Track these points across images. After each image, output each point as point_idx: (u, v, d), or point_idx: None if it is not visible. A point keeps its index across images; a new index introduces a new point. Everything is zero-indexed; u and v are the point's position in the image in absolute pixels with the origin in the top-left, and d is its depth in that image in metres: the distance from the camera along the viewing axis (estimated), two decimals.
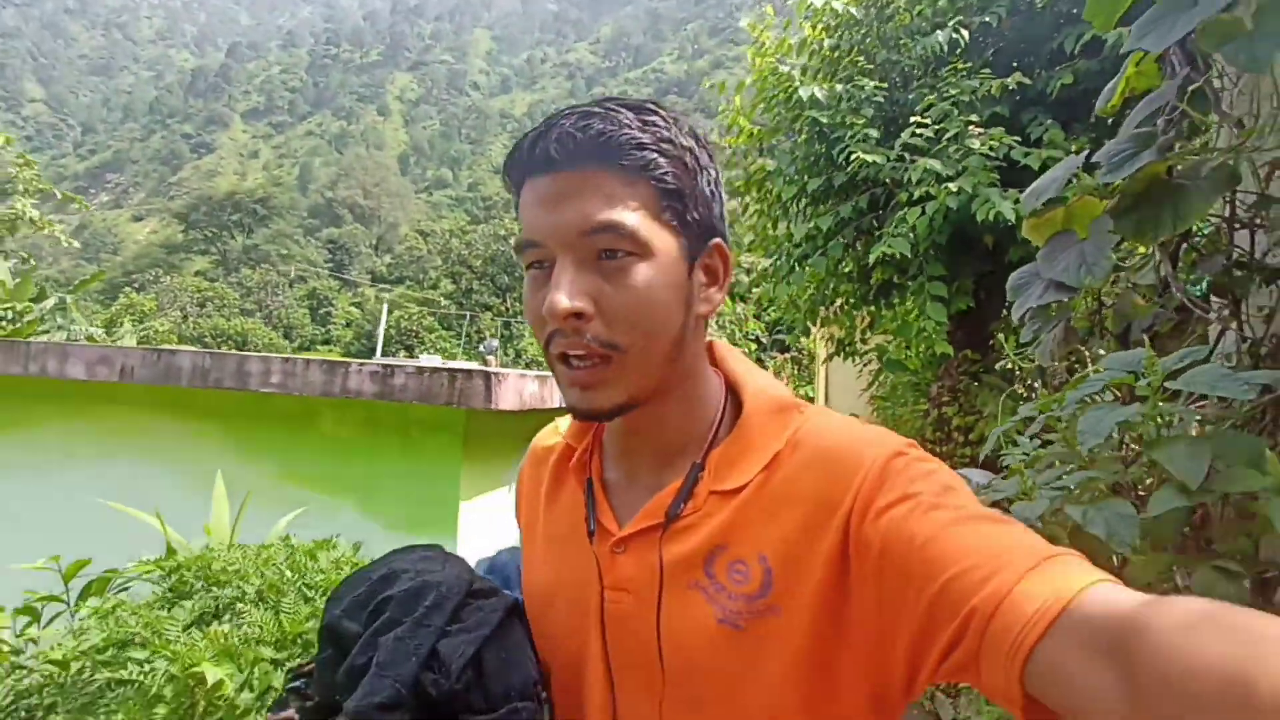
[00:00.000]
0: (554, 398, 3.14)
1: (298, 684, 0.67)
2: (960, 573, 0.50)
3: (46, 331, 6.32)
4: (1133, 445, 1.11)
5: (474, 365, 3.73)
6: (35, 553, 2.20)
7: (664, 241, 0.63)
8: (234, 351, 3.32)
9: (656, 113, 0.65)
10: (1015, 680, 0.46)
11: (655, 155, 0.62)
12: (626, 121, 0.62)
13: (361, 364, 2.92)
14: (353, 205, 78.55)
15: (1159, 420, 1.04)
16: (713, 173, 0.67)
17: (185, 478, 3.32)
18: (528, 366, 23.54)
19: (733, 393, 0.71)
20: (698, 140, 0.66)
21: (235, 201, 65.44)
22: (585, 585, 0.69)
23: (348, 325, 44.13)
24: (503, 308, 32.23)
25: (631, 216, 0.61)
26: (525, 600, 0.75)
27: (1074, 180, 1.56)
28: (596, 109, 0.63)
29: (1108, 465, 1.05)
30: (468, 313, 29.28)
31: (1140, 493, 1.05)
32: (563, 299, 0.60)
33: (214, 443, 3.35)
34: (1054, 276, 1.55)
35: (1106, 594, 0.45)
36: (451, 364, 3.06)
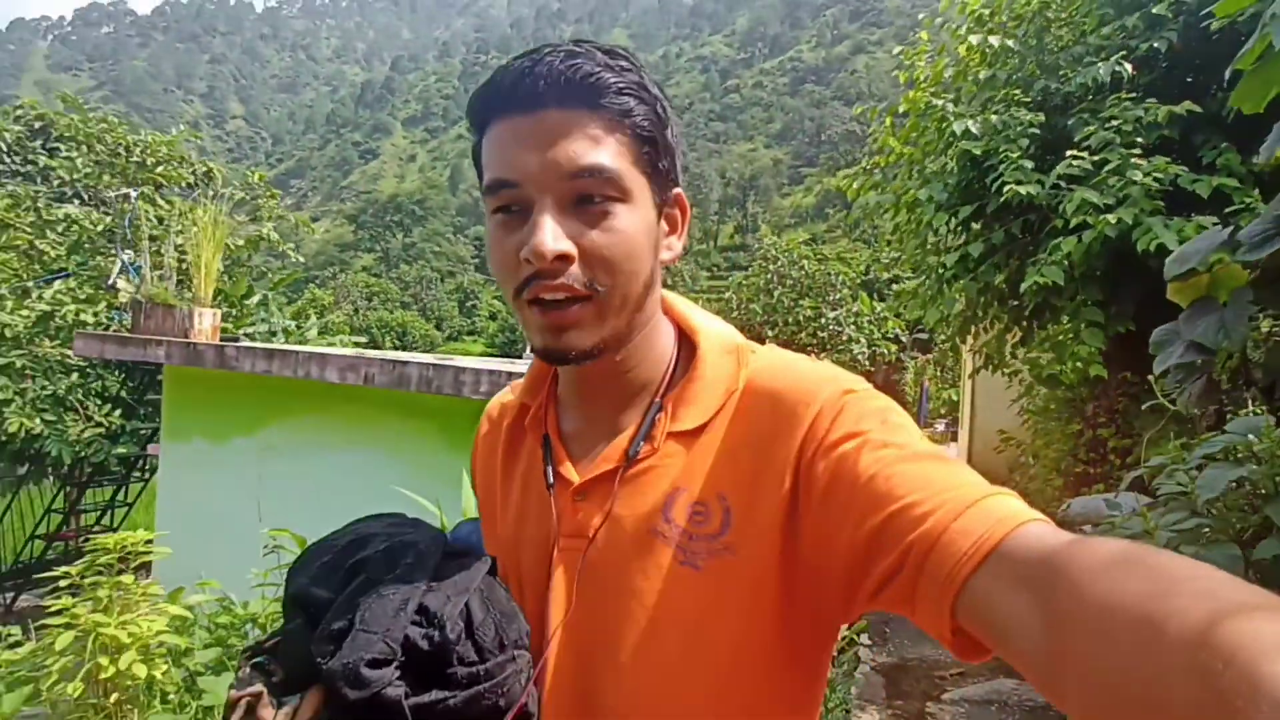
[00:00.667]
0: None
1: (260, 660, 0.63)
2: (902, 508, 0.52)
3: (253, 324, 7.44)
4: (1247, 498, 1.33)
5: None
6: (298, 525, 2.86)
7: (640, 187, 0.63)
8: (451, 362, 3.96)
9: (630, 59, 0.65)
10: (946, 612, 0.48)
11: (634, 101, 0.62)
12: (610, 64, 0.62)
13: None
14: None
15: (1276, 482, 1.26)
16: (677, 125, 0.68)
17: (408, 467, 4.03)
18: None
19: (686, 338, 0.71)
20: (662, 91, 0.67)
21: (396, 203, 71.10)
22: (547, 539, 0.69)
23: (492, 318, 46.78)
24: None
25: (615, 160, 0.61)
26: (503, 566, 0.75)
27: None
28: (579, 49, 0.62)
29: (1223, 516, 1.28)
30: None
31: (1248, 538, 1.28)
32: (548, 240, 0.59)
33: (432, 439, 4.02)
34: (1194, 338, 1.75)
35: (1038, 532, 0.47)
36: None
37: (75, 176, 7.47)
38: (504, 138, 0.62)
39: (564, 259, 0.60)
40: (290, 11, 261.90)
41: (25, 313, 5.19)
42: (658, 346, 0.70)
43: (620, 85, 0.62)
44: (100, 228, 5.93)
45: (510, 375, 3.65)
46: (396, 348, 30.13)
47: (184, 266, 4.88)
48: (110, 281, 4.88)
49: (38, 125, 9.25)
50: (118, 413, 5.68)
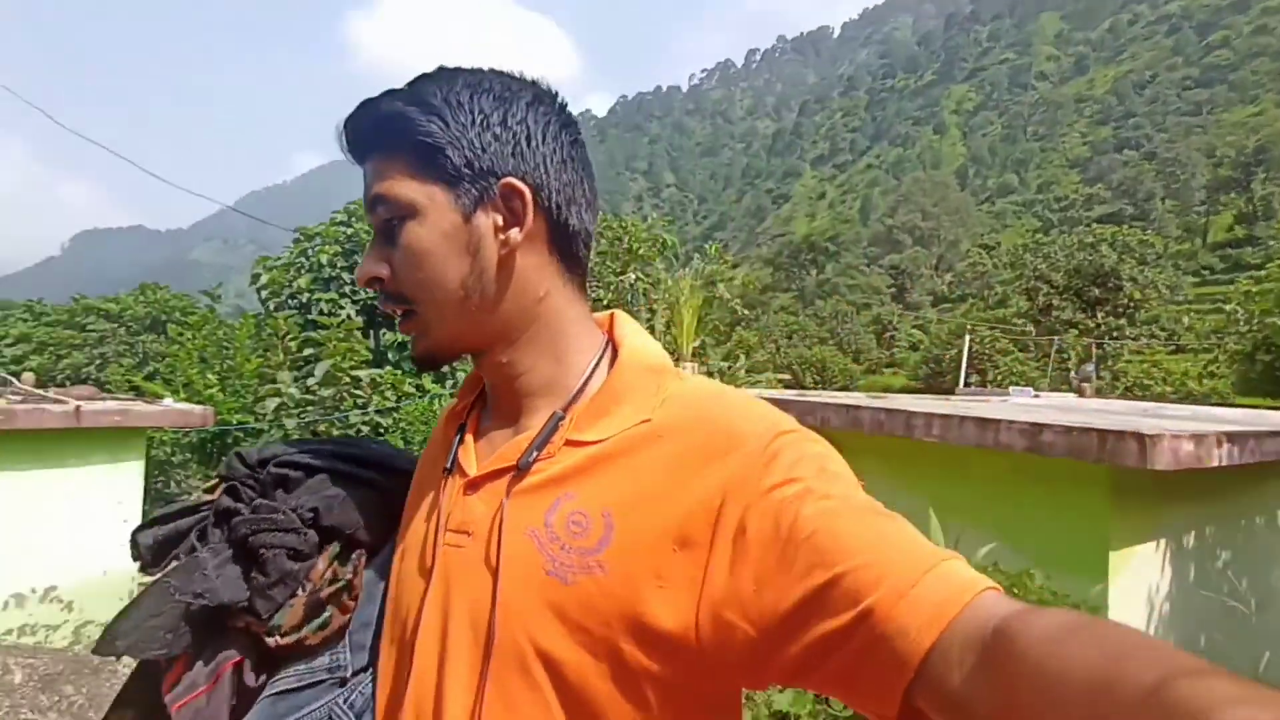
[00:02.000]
0: (1214, 456, 3.13)
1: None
2: (853, 568, 0.50)
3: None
4: None
5: (1117, 425, 3.87)
6: None
7: (430, 196, 0.65)
8: (900, 406, 4.23)
9: (425, 79, 0.68)
10: (900, 685, 0.48)
11: (407, 123, 0.65)
12: (383, 103, 0.67)
13: (1012, 422, 3.48)
14: (911, 229, 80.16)
15: None
16: (495, 115, 0.66)
17: None
18: (1127, 390, 20.38)
19: (616, 353, 0.71)
20: (477, 89, 0.67)
21: (809, 242, 73.68)
22: (429, 532, 0.69)
23: (912, 348, 45.00)
24: (1090, 324, 28.44)
25: (391, 185, 0.66)
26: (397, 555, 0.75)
27: None
28: (366, 100, 0.68)
29: None
30: (1054, 336, 26.67)
31: None
32: (361, 268, 0.69)
33: (881, 476, 4.36)
34: None
35: (991, 601, 0.48)
36: (1098, 424, 3.33)
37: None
38: None
39: (375, 281, 0.68)
40: (709, 84, 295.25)
41: None
42: (569, 350, 0.69)
43: (394, 112, 0.66)
44: (605, 303, 7.79)
45: (963, 419, 3.79)
46: (816, 383, 31.08)
47: (669, 329, 6.10)
48: None
49: None
50: None
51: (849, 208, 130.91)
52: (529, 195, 0.65)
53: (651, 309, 6.51)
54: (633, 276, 7.06)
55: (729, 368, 8.44)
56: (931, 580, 0.49)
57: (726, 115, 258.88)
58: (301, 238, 11.09)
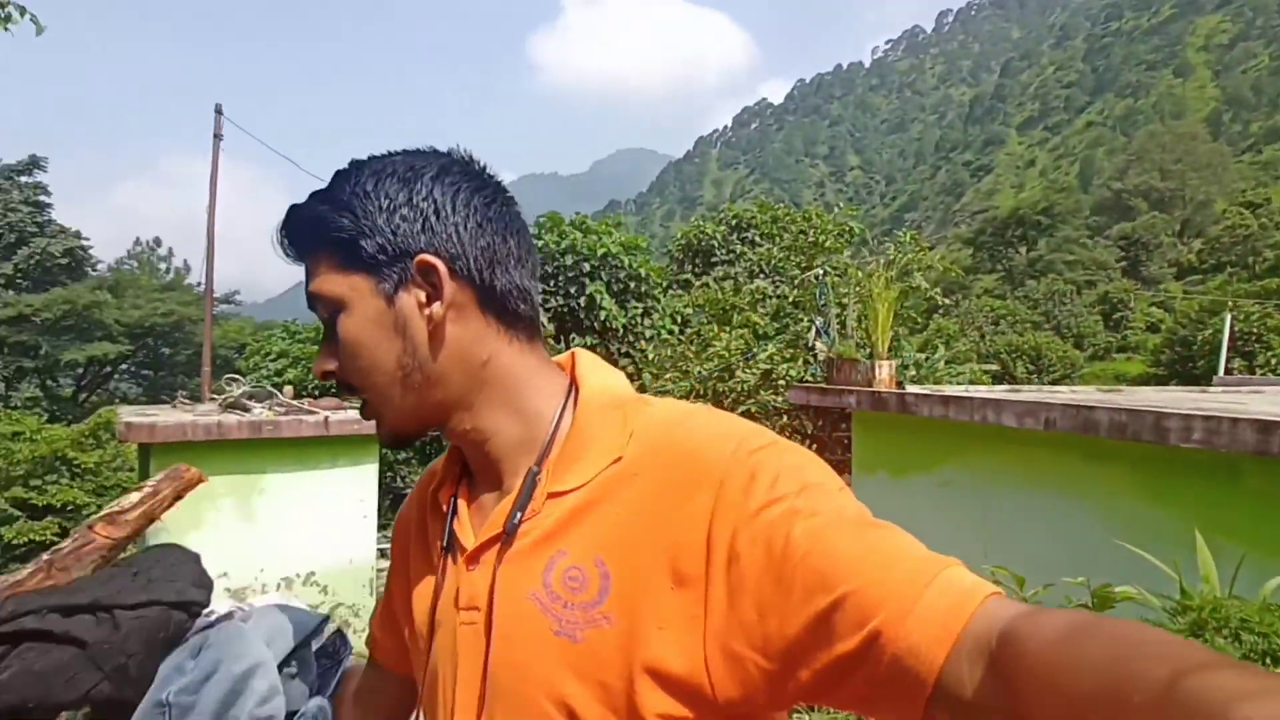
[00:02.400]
0: None
1: None
2: (855, 589, 0.50)
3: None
4: None
5: None
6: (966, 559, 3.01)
7: (354, 287, 0.67)
8: (1148, 407, 3.66)
9: (341, 173, 0.70)
10: (922, 699, 0.47)
11: (324, 222, 0.67)
12: (305, 209, 0.69)
13: None
14: (1146, 192, 69.82)
15: None
16: (401, 195, 0.67)
17: (1094, 514, 3.87)
18: None
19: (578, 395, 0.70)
20: (381, 175, 0.68)
21: (1017, 216, 66.94)
22: (427, 613, 0.71)
23: (1151, 329, 39.34)
24: None
25: (320, 282, 0.68)
26: (409, 636, 0.77)
27: None
28: (289, 210, 0.71)
29: None
30: None
31: None
32: (315, 366, 0.72)
33: (1124, 486, 3.78)
34: None
35: (995, 606, 0.47)
36: None
37: (767, 259, 9.69)
38: None
39: (329, 374, 0.70)
40: (895, 55, 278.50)
41: (753, 371, 7.00)
42: (532, 405, 0.69)
43: (312, 214, 0.69)
44: (791, 299, 7.58)
45: (1235, 421, 3.17)
46: (1029, 373, 28.18)
47: (859, 323, 5.76)
48: (807, 342, 6.20)
49: (735, 223, 12.30)
50: (814, 447, 7.09)
51: (1065, 174, 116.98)
52: (443, 268, 0.66)
53: (841, 303, 6.22)
54: (819, 270, 6.81)
55: (925, 359, 7.89)
56: (934, 594, 0.49)
57: (915, 86, 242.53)
58: None
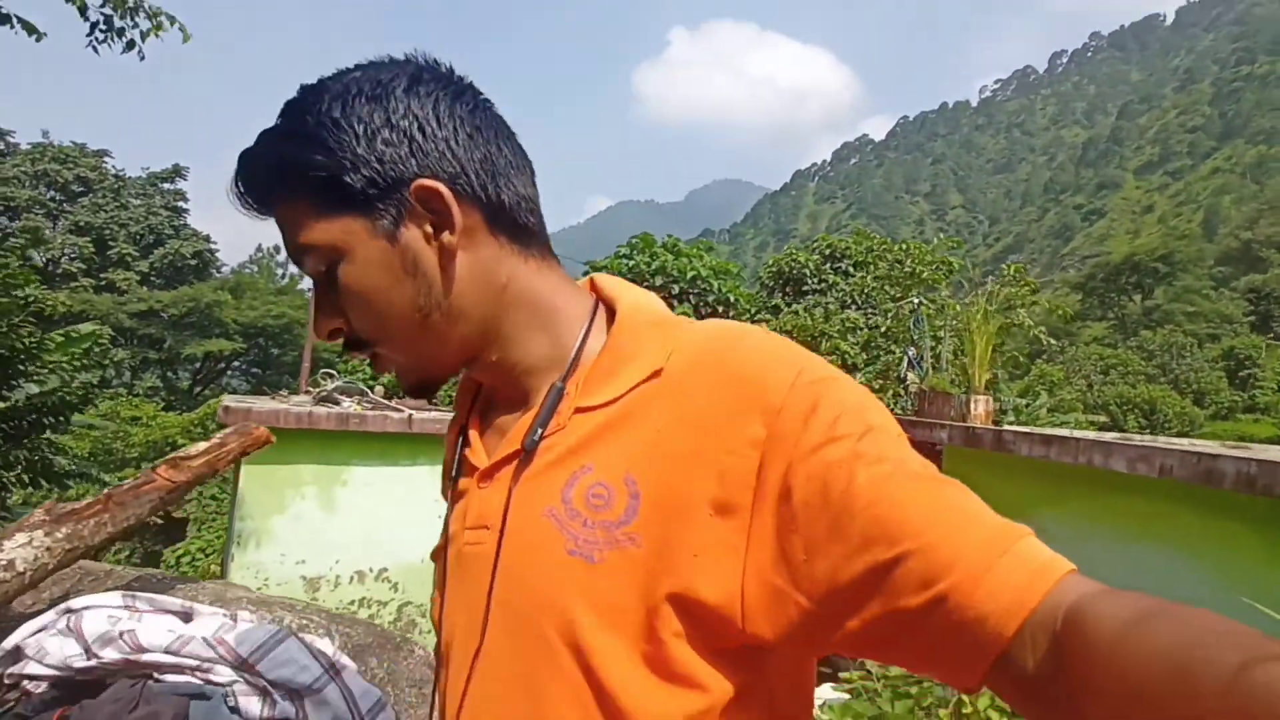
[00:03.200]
0: None
1: None
2: (920, 548, 0.47)
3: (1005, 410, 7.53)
4: None
5: None
6: None
7: (346, 229, 0.59)
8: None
9: (295, 103, 0.61)
10: (980, 672, 0.46)
11: (289, 167, 0.59)
12: (265, 152, 0.60)
13: None
14: (1279, 243, 64.58)
15: None
16: (379, 117, 0.59)
17: (1212, 572, 3.49)
18: None
19: (611, 314, 0.65)
20: (347, 96, 0.59)
21: (1132, 263, 63.09)
22: (456, 533, 0.66)
23: None
24: None
25: (307, 233, 0.60)
26: None
27: None
28: (245, 152, 0.61)
29: None
30: None
31: None
32: (316, 327, 0.64)
33: (1248, 543, 3.40)
34: None
35: (1071, 584, 0.45)
36: None
37: (861, 289, 9.44)
38: None
39: (336, 333, 0.63)
40: (1004, 95, 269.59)
41: None
42: (547, 328, 0.65)
43: (277, 156, 0.60)
44: (882, 329, 7.31)
45: None
46: (1142, 428, 26.29)
47: (955, 357, 5.49)
48: (899, 373, 5.95)
49: (829, 252, 12.07)
50: None
51: (1187, 221, 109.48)
52: (445, 190, 0.59)
53: (937, 336, 5.94)
54: (915, 301, 6.53)
55: (1026, 405, 7.45)
56: (1009, 562, 0.46)
57: (1024, 127, 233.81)
58: (590, 271, 12.16)
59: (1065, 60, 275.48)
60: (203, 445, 1.47)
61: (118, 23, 4.66)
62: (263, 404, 5.24)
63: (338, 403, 5.50)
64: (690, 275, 10.27)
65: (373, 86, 0.60)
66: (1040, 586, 0.45)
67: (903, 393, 6.31)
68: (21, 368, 5.86)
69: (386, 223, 0.60)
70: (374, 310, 0.61)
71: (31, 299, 6.16)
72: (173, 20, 4.77)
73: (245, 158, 0.61)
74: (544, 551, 0.56)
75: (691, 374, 0.57)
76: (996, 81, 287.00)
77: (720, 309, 10.38)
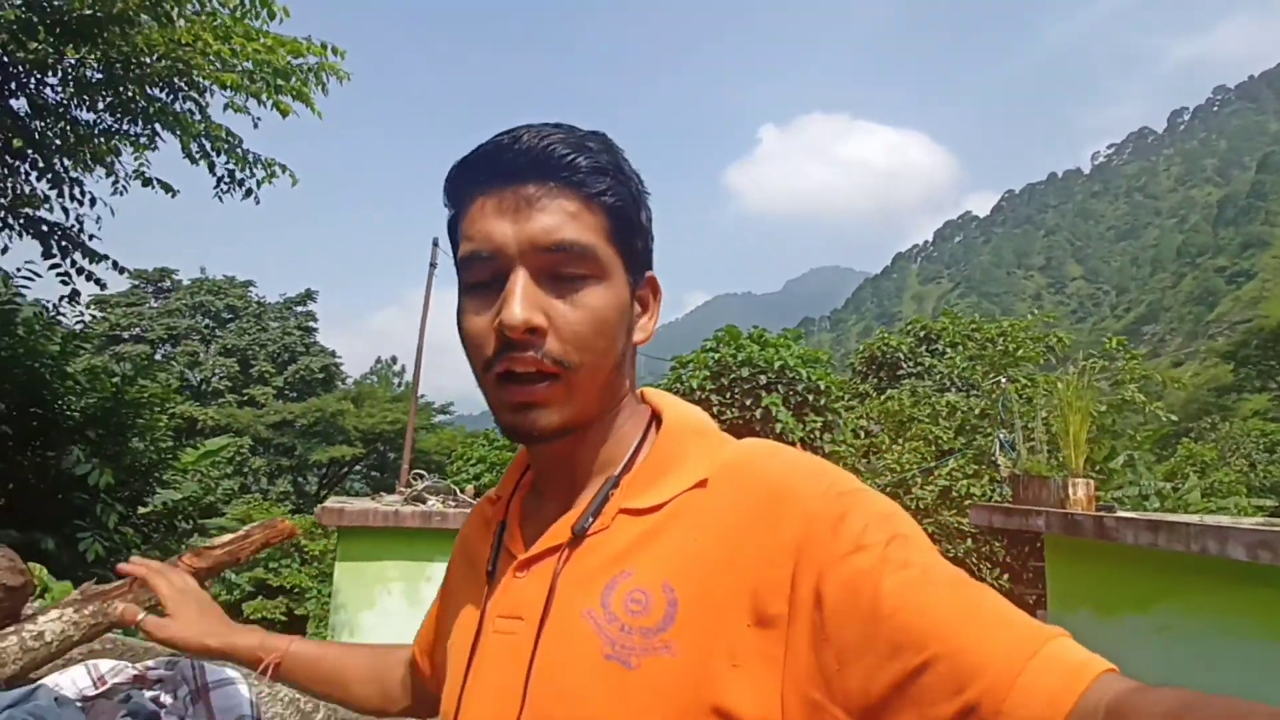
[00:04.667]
0: None
1: None
2: (950, 651, 0.46)
3: (1120, 487, 6.88)
4: None
5: None
6: None
7: (613, 265, 0.62)
8: None
9: (604, 139, 0.64)
10: None
11: (609, 180, 0.61)
12: (589, 145, 0.61)
13: None
14: None
15: None
16: (650, 207, 0.67)
17: None
18: None
19: (659, 423, 0.68)
20: (639, 179, 0.65)
21: None
22: (471, 624, 0.66)
23: None
24: None
25: (592, 238, 0.60)
26: (442, 649, 0.76)
27: None
28: (556, 128, 0.61)
29: None
30: None
31: None
32: (521, 311, 0.58)
33: None
34: None
35: (1108, 684, 0.44)
36: None
37: (954, 370, 9.06)
38: (481, 211, 0.61)
39: (535, 331, 0.59)
40: (1120, 159, 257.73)
41: (931, 488, 6.41)
42: (625, 428, 0.68)
43: (594, 164, 0.61)
44: (977, 411, 6.94)
45: None
46: None
47: (1053, 438, 5.14)
48: (992, 457, 5.60)
49: (923, 334, 11.72)
50: (1006, 577, 6.22)
51: None
52: (660, 291, 0.69)
53: (1039, 417, 5.56)
54: (1002, 380, 6.16)
55: (1174, 489, 6.76)
56: (1040, 665, 0.45)
57: (1146, 190, 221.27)
58: (677, 365, 12.35)
59: (1188, 117, 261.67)
60: (227, 537, 1.64)
61: (238, 175, 5.49)
62: (356, 504, 5.57)
63: (425, 500, 5.77)
64: (778, 365, 10.22)
65: (640, 180, 0.67)
66: (1075, 687, 0.43)
67: (997, 478, 5.90)
68: (159, 475, 6.53)
69: (632, 283, 0.65)
70: (601, 336, 0.61)
71: (173, 414, 6.93)
72: (284, 168, 5.55)
73: (566, 136, 0.61)
74: (581, 653, 0.56)
75: (731, 485, 0.59)
76: (1110, 146, 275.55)
77: (810, 397, 10.20)
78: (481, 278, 0.61)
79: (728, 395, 10.45)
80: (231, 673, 1.42)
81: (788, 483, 0.57)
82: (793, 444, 10.20)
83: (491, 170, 0.61)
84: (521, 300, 0.58)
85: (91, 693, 1.24)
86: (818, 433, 9.80)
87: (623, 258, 0.63)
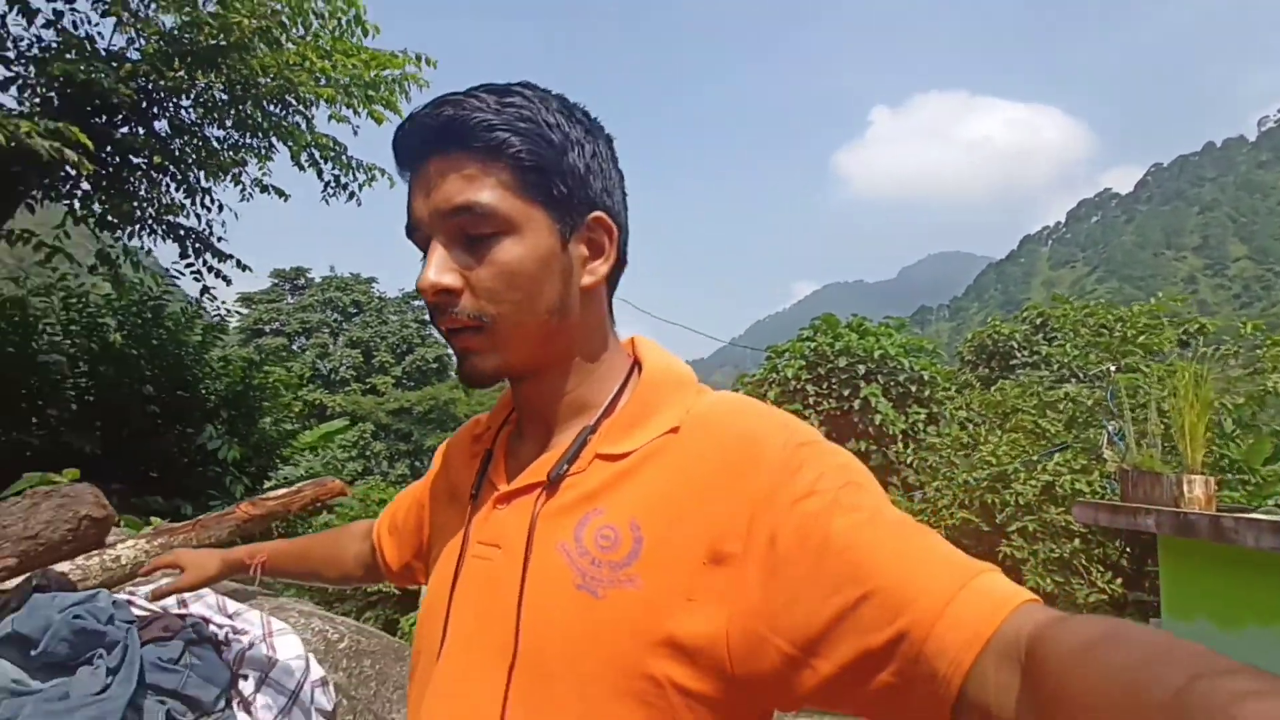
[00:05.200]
0: None
1: None
2: (886, 585, 0.49)
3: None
4: None
5: None
6: None
7: (528, 216, 0.63)
8: None
9: (519, 93, 0.65)
10: (948, 702, 0.46)
11: (508, 134, 0.62)
12: (479, 105, 0.62)
13: None
14: None
15: None
16: (588, 147, 0.67)
17: None
18: None
19: (641, 371, 0.71)
20: (570, 117, 0.66)
21: None
22: (454, 549, 0.71)
23: None
24: None
25: (489, 195, 0.62)
26: (420, 562, 0.90)
27: None
28: (451, 97, 0.63)
29: None
30: None
31: None
32: (429, 276, 0.63)
33: None
34: None
35: (1028, 612, 0.46)
36: None
37: (1068, 359, 8.44)
38: (410, 190, 0.67)
39: (447, 292, 0.63)
40: None
41: (1033, 483, 6.03)
42: (603, 372, 0.71)
43: (494, 122, 0.62)
44: (1090, 402, 6.45)
45: None
46: None
47: (1169, 431, 4.73)
48: (1099, 451, 5.20)
49: (1039, 321, 10.97)
50: (1118, 581, 5.76)
51: None
52: (615, 232, 0.69)
53: (1157, 407, 5.11)
54: (1111, 368, 5.67)
55: None
56: (969, 595, 0.47)
57: None
58: (773, 355, 12.19)
59: None
60: (282, 490, 1.87)
61: (342, 179, 5.97)
62: None
63: None
64: (878, 354, 9.89)
65: (587, 120, 0.68)
66: (998, 615, 0.46)
67: (1105, 472, 5.47)
68: (280, 453, 7.19)
69: (565, 230, 0.65)
70: (519, 292, 0.63)
71: (304, 401, 7.67)
72: (383, 171, 5.99)
73: (460, 103, 0.63)
74: (556, 582, 0.61)
75: (700, 433, 0.63)
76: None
77: (914, 388, 9.81)
78: (422, 248, 0.66)
79: (824, 385, 10.21)
80: (289, 626, 1.64)
81: (753, 434, 0.61)
82: (894, 436, 9.83)
83: (405, 153, 0.67)
84: (433, 266, 0.63)
85: (175, 609, 1.48)
86: (921, 424, 9.43)
87: (543, 206, 0.64)
